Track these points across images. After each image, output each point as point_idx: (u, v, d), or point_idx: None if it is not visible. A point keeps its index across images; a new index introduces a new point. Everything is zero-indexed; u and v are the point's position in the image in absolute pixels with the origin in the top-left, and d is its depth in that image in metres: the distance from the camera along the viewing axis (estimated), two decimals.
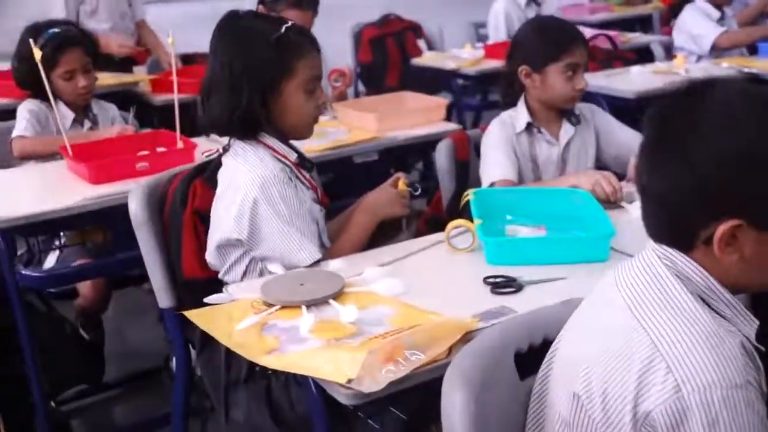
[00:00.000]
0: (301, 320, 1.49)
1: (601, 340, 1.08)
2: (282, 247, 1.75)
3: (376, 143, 2.82)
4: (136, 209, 1.94)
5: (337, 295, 1.58)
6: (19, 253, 2.55)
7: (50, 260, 2.54)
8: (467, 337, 1.40)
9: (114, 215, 2.25)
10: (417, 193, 2.00)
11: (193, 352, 2.00)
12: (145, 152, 2.56)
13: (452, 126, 3.01)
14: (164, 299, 1.97)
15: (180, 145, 2.58)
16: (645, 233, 1.82)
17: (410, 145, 2.90)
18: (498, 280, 1.65)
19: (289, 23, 1.81)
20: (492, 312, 1.52)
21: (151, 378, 2.96)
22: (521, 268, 1.70)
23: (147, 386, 2.95)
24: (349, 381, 1.26)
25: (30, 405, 2.42)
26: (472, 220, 1.85)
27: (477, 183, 2.35)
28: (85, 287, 2.65)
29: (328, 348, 1.36)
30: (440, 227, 2.57)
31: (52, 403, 2.61)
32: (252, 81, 1.75)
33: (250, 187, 1.73)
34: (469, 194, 1.97)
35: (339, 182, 2.72)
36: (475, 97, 5.24)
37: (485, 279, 1.66)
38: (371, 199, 1.91)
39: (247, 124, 1.79)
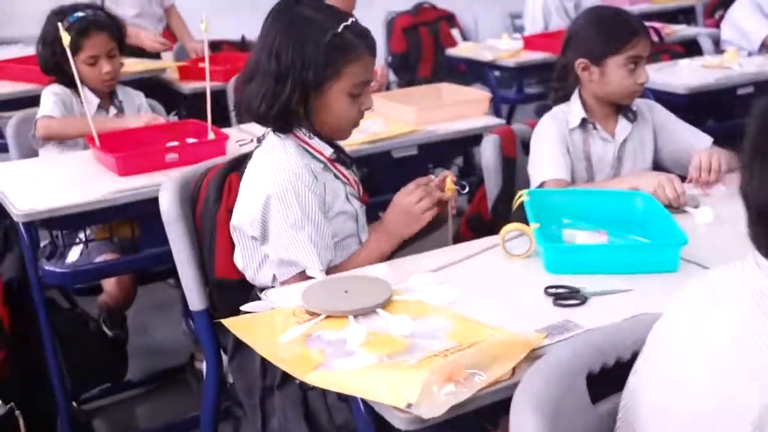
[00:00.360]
0: (349, 332, 1.39)
1: (700, 380, 0.96)
2: (285, 250, 1.68)
3: (416, 137, 2.74)
4: (168, 205, 1.87)
5: (385, 304, 1.48)
6: (42, 245, 2.48)
7: (73, 254, 2.46)
8: (531, 355, 1.30)
9: (142, 209, 2.20)
10: (464, 191, 1.91)
11: (224, 358, 1.91)
12: (175, 143, 2.48)
13: (495, 120, 2.92)
14: (195, 301, 1.90)
15: (211, 136, 2.50)
16: (716, 241, 1.71)
17: (451, 139, 2.81)
18: (560, 290, 1.55)
19: (349, 21, 1.72)
20: (556, 326, 1.42)
21: (176, 377, 2.92)
22: (582, 278, 1.59)
23: (171, 385, 2.90)
24: (408, 405, 1.15)
25: (52, 404, 2.36)
26: (526, 223, 1.75)
27: (524, 181, 2.26)
28: (109, 284, 2.59)
29: (382, 366, 1.25)
30: (482, 227, 2.50)
31: (74, 403, 2.56)
32: (297, 77, 1.68)
33: (268, 184, 1.68)
34: (523, 195, 1.87)
35: (375, 177, 2.64)
36: (511, 90, 5.11)
37: (546, 289, 1.55)
38: (387, 219, 1.80)
39: (284, 118, 1.72)
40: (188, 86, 3.59)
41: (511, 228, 1.73)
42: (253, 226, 1.69)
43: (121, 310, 2.69)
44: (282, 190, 1.67)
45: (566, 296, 1.53)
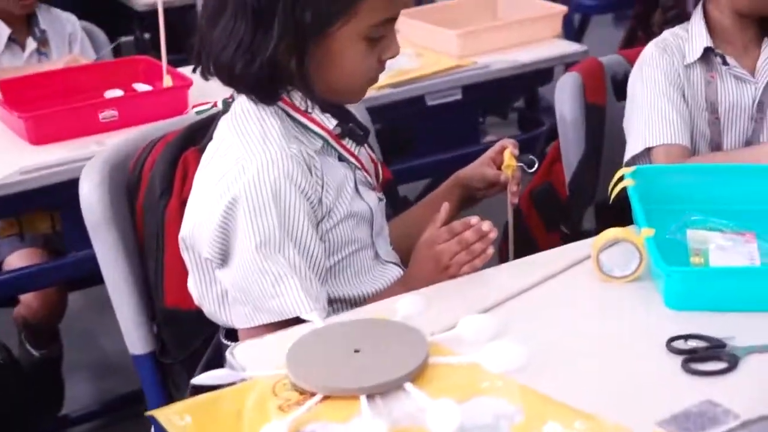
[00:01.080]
0: (360, 426, 1.14)
1: None
2: (249, 282, 1.47)
3: (459, 75, 2.65)
4: (92, 196, 1.71)
5: (418, 374, 1.24)
6: None
7: None
8: None
9: (66, 194, 2.02)
10: (532, 170, 1.79)
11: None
12: (117, 92, 2.36)
13: (572, 47, 2.81)
14: (137, 342, 1.79)
15: (168, 82, 2.33)
16: None
17: (509, 77, 2.70)
18: (693, 344, 1.31)
19: None
20: (692, 414, 1.17)
21: (134, 407, 2.63)
22: (726, 319, 1.38)
23: (128, 419, 2.75)
24: None
25: None
26: (627, 222, 1.59)
27: (619, 139, 2.10)
28: (26, 294, 2.48)
29: None
30: (554, 206, 2.32)
31: None
32: (289, 15, 1.45)
33: (234, 180, 1.47)
34: (625, 176, 1.68)
35: (400, 135, 2.58)
36: None
37: (670, 343, 1.31)
38: (410, 274, 1.62)
39: (269, 80, 1.51)
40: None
41: (609, 237, 1.51)
42: (211, 245, 1.49)
43: (47, 326, 2.60)
44: (255, 191, 1.45)
45: (703, 355, 1.30)
